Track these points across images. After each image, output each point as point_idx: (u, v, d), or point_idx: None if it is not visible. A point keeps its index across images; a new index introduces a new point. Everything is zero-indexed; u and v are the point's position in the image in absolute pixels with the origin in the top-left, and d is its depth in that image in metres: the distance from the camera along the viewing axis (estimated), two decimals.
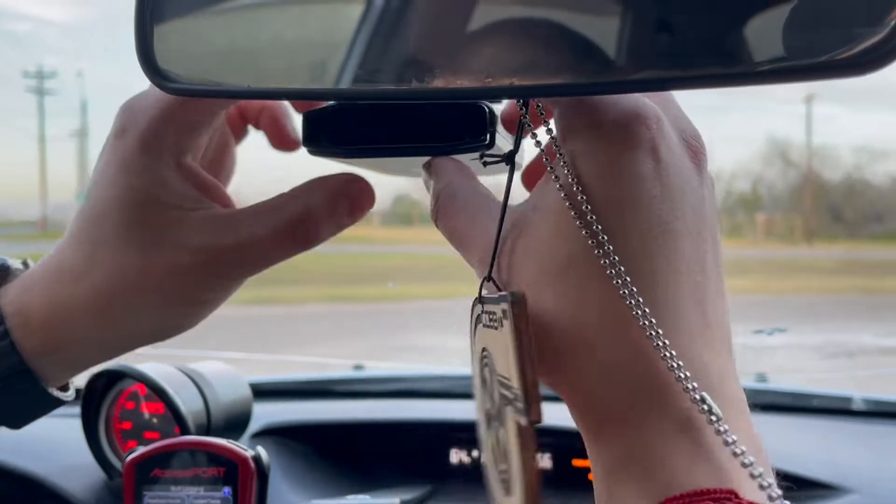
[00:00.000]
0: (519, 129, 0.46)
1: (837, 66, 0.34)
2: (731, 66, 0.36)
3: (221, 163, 0.59)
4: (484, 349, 0.44)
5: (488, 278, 0.45)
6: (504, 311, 0.38)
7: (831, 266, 16.47)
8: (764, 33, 0.35)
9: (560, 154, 0.41)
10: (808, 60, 0.34)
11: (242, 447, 0.77)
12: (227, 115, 0.57)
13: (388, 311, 9.10)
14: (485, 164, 0.50)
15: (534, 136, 0.44)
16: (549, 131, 0.44)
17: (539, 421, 0.36)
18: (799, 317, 7.72)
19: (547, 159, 0.42)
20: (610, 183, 0.39)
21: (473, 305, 0.46)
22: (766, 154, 29.37)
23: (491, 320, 0.41)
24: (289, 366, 2.42)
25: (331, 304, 9.81)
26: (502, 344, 0.39)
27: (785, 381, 1.56)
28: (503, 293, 0.40)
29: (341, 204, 0.49)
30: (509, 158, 0.47)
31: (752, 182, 29.74)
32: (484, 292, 0.45)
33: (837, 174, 28.08)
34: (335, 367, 2.23)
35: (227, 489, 0.77)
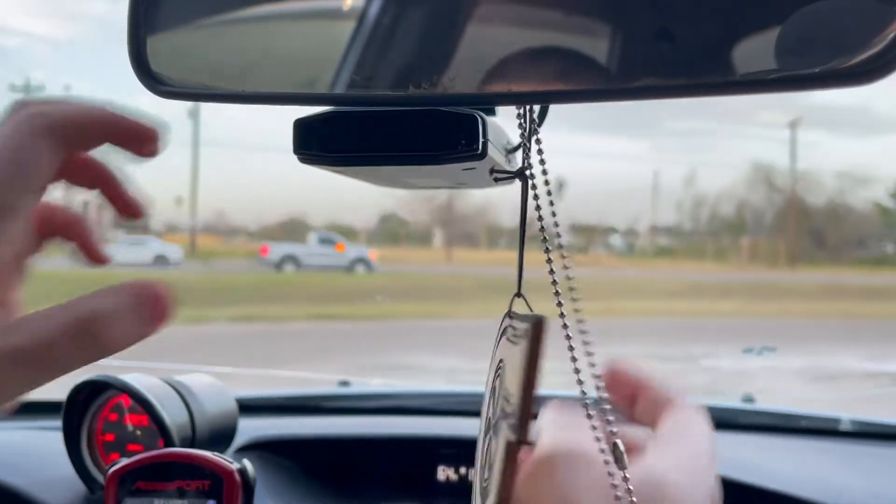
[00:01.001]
0: (527, 141, 0.46)
1: (838, 75, 0.34)
2: (732, 75, 0.36)
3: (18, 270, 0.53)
4: (501, 361, 0.44)
5: (518, 294, 0.45)
6: (525, 330, 0.38)
7: (815, 290, 16.58)
8: (766, 43, 0.35)
9: None
10: (809, 70, 0.34)
11: (228, 460, 0.75)
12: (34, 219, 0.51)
13: (372, 330, 9.09)
14: (496, 180, 0.50)
15: (538, 143, 0.44)
16: (538, 144, 0.44)
17: (526, 442, 0.36)
18: (783, 340, 7.76)
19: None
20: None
21: (504, 318, 0.45)
22: (751, 179, 29.64)
23: (514, 335, 0.41)
24: (273, 381, 2.41)
25: (315, 322, 9.79)
26: (516, 360, 0.39)
27: (770, 402, 1.56)
28: (530, 313, 0.39)
29: (135, 310, 0.46)
30: (521, 175, 0.46)
31: (737, 206, 29.99)
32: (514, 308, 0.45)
33: (821, 199, 28.35)
34: (320, 382, 2.21)
35: (211, 502, 0.75)
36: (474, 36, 0.43)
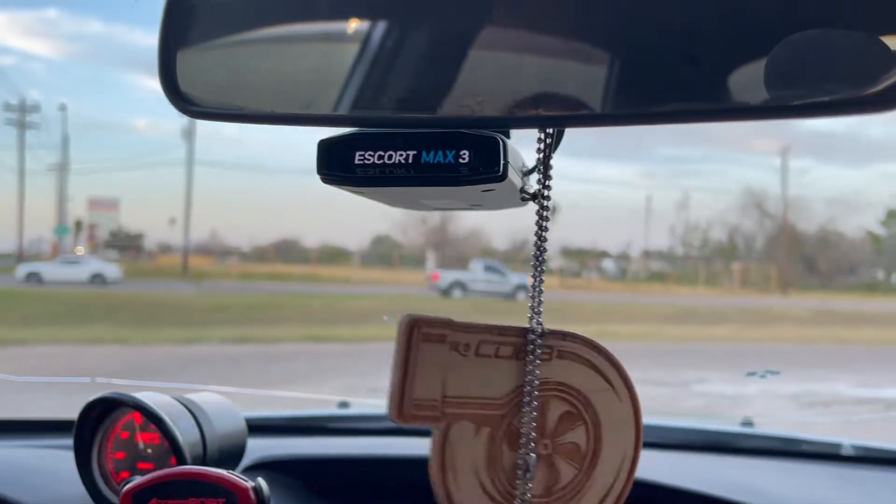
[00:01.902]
0: (546, 163, 0.47)
1: (864, 102, 0.35)
2: (760, 101, 0.37)
3: None
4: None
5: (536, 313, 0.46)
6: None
7: (806, 316, 16.60)
8: (792, 70, 0.36)
9: None
10: (836, 97, 0.35)
11: (242, 478, 0.76)
12: None
13: (365, 352, 9.06)
14: (523, 199, 0.51)
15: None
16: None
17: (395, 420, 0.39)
18: (776, 365, 7.76)
19: None
20: None
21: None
22: (743, 205, 29.76)
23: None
24: (270, 401, 2.40)
25: (308, 343, 9.75)
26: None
27: (765, 426, 1.56)
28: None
29: None
30: (538, 197, 0.48)
31: (729, 231, 30.09)
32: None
33: (812, 226, 28.46)
34: (319, 402, 2.20)
35: None
36: (500, 61, 0.44)
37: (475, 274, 19.84)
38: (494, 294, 18.16)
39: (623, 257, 31.85)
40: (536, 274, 0.48)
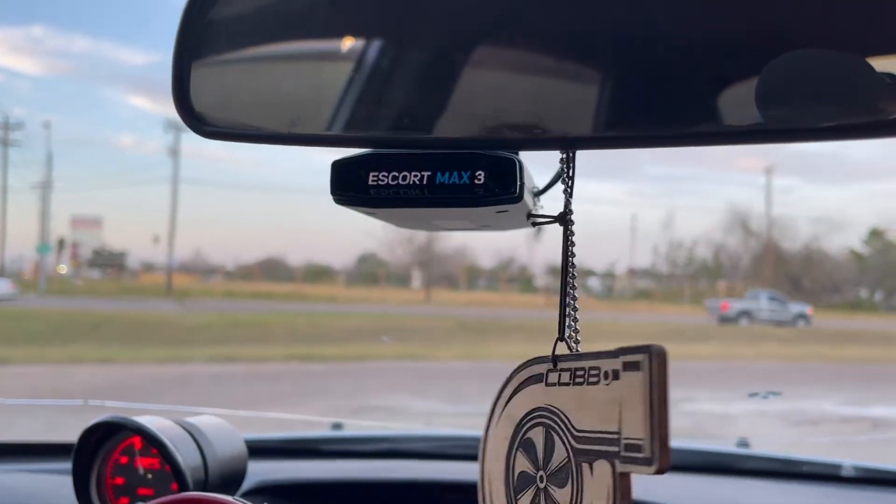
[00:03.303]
0: (569, 184, 0.46)
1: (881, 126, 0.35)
2: (793, 123, 0.36)
3: None
4: (535, 410, 0.44)
5: (561, 338, 0.45)
6: (624, 364, 0.39)
7: (791, 334, 16.69)
8: (828, 93, 0.36)
9: None
10: (871, 118, 0.35)
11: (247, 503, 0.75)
12: None
13: (350, 371, 9.02)
14: (534, 224, 0.50)
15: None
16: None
17: (669, 466, 0.37)
18: (761, 384, 7.78)
19: None
20: None
21: (521, 368, 0.46)
22: (728, 223, 29.91)
23: (577, 377, 0.41)
24: (261, 423, 2.38)
25: (293, 363, 9.70)
26: (597, 399, 0.39)
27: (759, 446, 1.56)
28: (639, 346, 0.40)
29: None
30: (562, 220, 0.47)
31: (714, 250, 30.24)
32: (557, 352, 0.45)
33: (796, 244, 28.66)
34: (311, 424, 2.19)
35: None
36: (518, 83, 0.44)
37: (759, 303, 21.27)
38: (777, 322, 19.47)
39: (608, 275, 31.95)
40: (568, 295, 0.47)
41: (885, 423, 6.18)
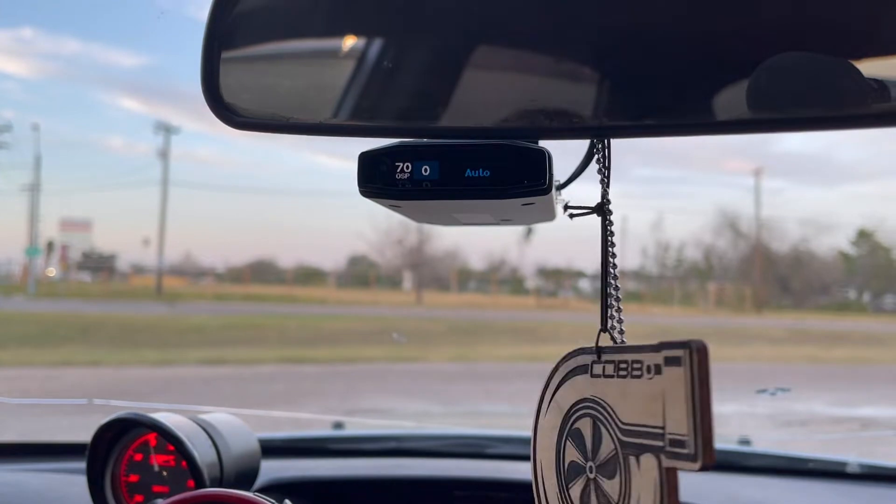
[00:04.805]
0: (607, 173, 0.47)
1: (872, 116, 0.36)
2: (836, 110, 0.37)
3: None
4: (582, 401, 0.45)
5: (604, 329, 0.46)
6: (665, 359, 0.39)
7: (781, 335, 16.73)
8: (869, 77, 0.36)
9: None
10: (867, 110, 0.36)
11: (271, 501, 0.75)
12: None
13: (342, 373, 8.99)
14: (571, 216, 0.50)
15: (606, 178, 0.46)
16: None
17: (713, 463, 0.37)
18: (752, 384, 7.78)
19: None
20: None
21: (567, 358, 0.46)
22: (717, 225, 29.99)
23: (621, 370, 0.42)
24: (259, 420, 2.38)
25: (284, 365, 9.65)
26: (641, 393, 0.40)
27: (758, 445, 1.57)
28: (680, 340, 0.40)
29: None
30: (600, 210, 0.47)
31: (704, 251, 30.29)
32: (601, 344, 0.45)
33: (785, 246, 28.71)
34: (311, 422, 2.19)
35: None
36: (551, 72, 0.44)
37: None
38: None
39: (599, 276, 31.83)
40: (610, 286, 0.46)
41: (875, 422, 6.20)
